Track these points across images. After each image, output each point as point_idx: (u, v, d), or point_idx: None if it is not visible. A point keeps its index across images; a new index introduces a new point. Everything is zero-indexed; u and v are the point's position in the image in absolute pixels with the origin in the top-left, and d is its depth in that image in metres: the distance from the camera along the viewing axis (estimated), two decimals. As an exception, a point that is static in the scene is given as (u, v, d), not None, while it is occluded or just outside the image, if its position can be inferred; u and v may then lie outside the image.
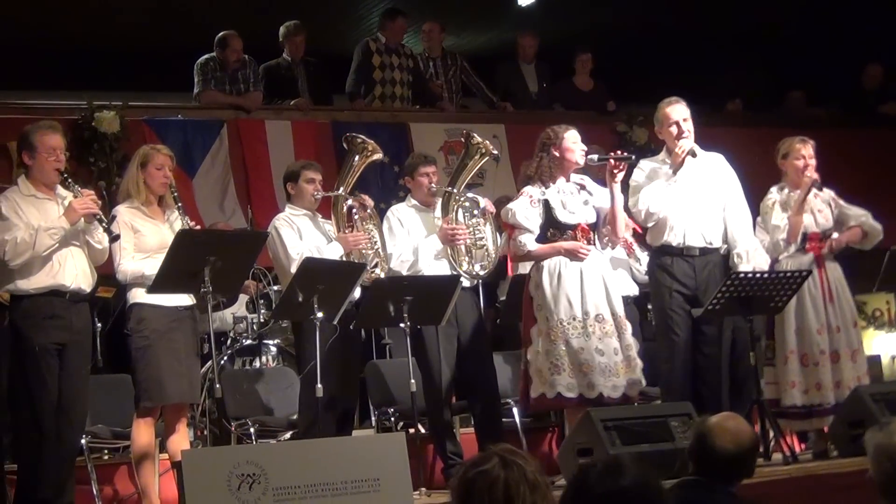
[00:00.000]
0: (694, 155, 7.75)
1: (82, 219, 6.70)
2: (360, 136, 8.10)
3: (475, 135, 8.15)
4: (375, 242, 7.90)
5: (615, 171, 7.39)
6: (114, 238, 6.74)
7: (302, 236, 7.78)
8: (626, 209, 7.72)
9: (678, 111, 7.84)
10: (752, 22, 13.38)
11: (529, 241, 7.35)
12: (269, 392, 8.56)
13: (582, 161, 7.47)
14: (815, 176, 7.98)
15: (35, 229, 6.59)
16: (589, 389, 7.17)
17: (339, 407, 7.66)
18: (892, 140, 12.88)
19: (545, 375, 7.21)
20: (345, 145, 8.16)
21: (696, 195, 7.81)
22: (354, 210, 7.93)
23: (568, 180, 7.50)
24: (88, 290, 6.87)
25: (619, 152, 7.65)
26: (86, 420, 7.04)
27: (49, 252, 6.62)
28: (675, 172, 7.76)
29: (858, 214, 8.21)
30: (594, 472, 3.11)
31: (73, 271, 6.73)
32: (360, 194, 8.03)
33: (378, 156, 8.10)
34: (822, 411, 7.86)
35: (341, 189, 7.92)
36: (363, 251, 7.80)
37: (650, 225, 7.80)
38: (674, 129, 7.79)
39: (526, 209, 7.38)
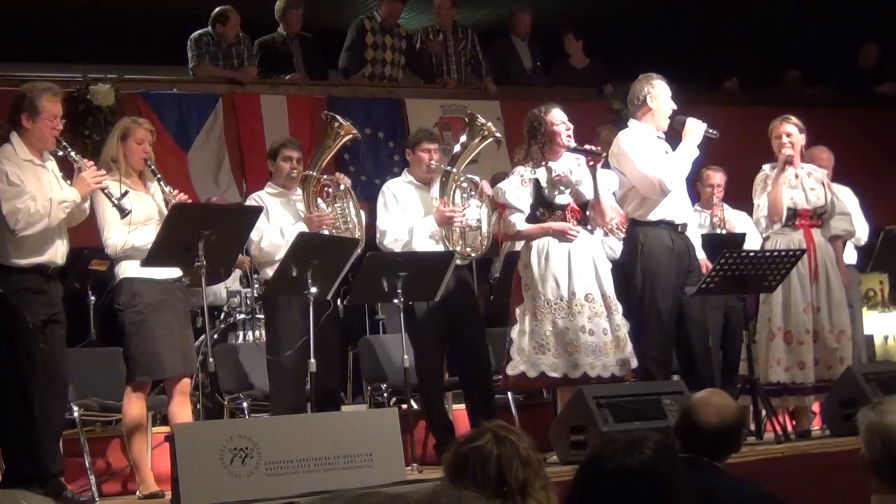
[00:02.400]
0: (714, 135, 7.80)
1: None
2: (338, 117, 8.05)
3: (479, 116, 8.08)
4: (347, 221, 7.84)
5: (590, 162, 7.39)
6: (125, 214, 6.68)
7: (269, 217, 7.72)
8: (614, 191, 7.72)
9: (668, 88, 7.84)
10: (749, 1, 13.35)
11: (519, 221, 7.36)
12: (262, 366, 8.54)
13: (569, 142, 7.43)
14: (789, 152, 8.00)
15: (48, 200, 6.49)
16: (573, 369, 7.18)
17: (318, 387, 7.64)
18: (888, 120, 12.88)
19: (528, 355, 7.21)
20: (324, 119, 8.12)
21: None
22: (329, 189, 7.89)
23: (558, 160, 7.49)
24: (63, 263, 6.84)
25: (590, 146, 7.55)
26: (68, 392, 7.00)
27: (58, 225, 6.57)
28: (691, 146, 7.78)
29: (840, 215, 8.20)
30: (610, 448, 3.10)
31: (61, 248, 6.68)
32: (337, 173, 8.00)
33: (352, 136, 8.04)
34: (803, 390, 7.89)
35: (314, 170, 7.87)
36: (332, 231, 7.75)
37: (656, 197, 7.71)
38: (671, 104, 7.77)
39: (516, 189, 7.38)
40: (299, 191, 7.90)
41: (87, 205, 6.75)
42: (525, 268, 7.35)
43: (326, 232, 7.69)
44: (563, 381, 7.23)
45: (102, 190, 6.64)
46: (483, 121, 7.99)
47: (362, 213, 7.91)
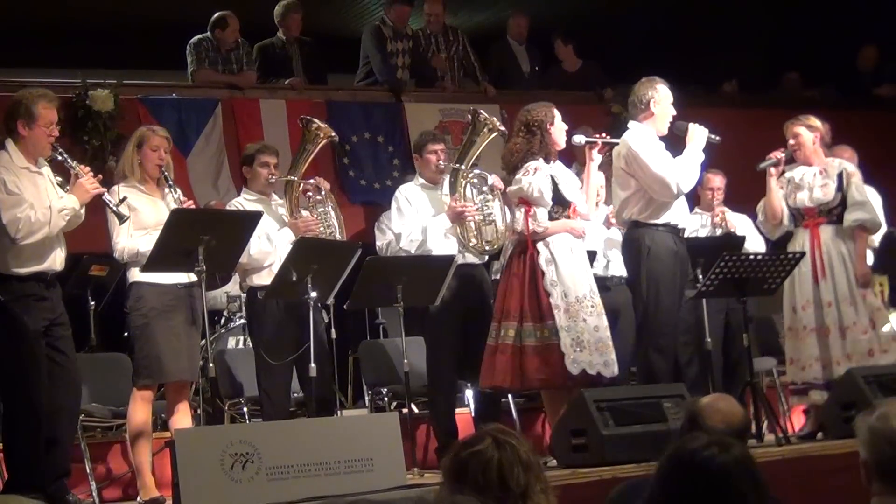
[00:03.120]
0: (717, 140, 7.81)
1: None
2: (315, 120, 8.05)
3: (482, 111, 8.08)
4: (330, 225, 7.86)
5: (598, 153, 7.37)
6: (122, 220, 6.69)
7: None
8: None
9: (671, 93, 7.82)
10: (748, 2, 13.36)
11: (545, 217, 7.34)
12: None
13: (564, 143, 7.44)
14: (777, 155, 8.02)
15: (48, 209, 6.48)
16: (605, 367, 7.19)
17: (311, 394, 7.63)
18: (887, 122, 12.87)
19: (569, 352, 7.16)
20: (300, 125, 8.12)
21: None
22: (310, 193, 7.90)
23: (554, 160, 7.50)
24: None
25: (604, 135, 7.59)
26: (81, 392, 6.98)
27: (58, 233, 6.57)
28: (697, 150, 7.76)
29: (854, 205, 8.16)
30: (702, 445, 3.10)
31: (60, 255, 6.66)
32: (317, 177, 8.00)
33: (330, 138, 8.03)
34: (815, 387, 7.90)
35: (294, 174, 7.88)
36: (317, 234, 7.76)
37: (668, 199, 7.67)
38: (672, 109, 7.75)
39: (543, 183, 7.33)
40: (275, 196, 7.93)
41: (83, 209, 6.76)
42: (549, 264, 7.28)
43: (325, 232, 7.73)
44: (597, 380, 7.19)
45: (100, 196, 6.65)
46: (486, 115, 7.99)
47: (341, 217, 7.96)
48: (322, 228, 7.79)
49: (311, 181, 7.91)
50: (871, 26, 13.23)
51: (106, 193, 6.70)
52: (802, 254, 7.79)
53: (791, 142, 8.10)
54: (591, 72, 12.34)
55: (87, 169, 6.75)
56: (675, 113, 7.77)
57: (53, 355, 6.57)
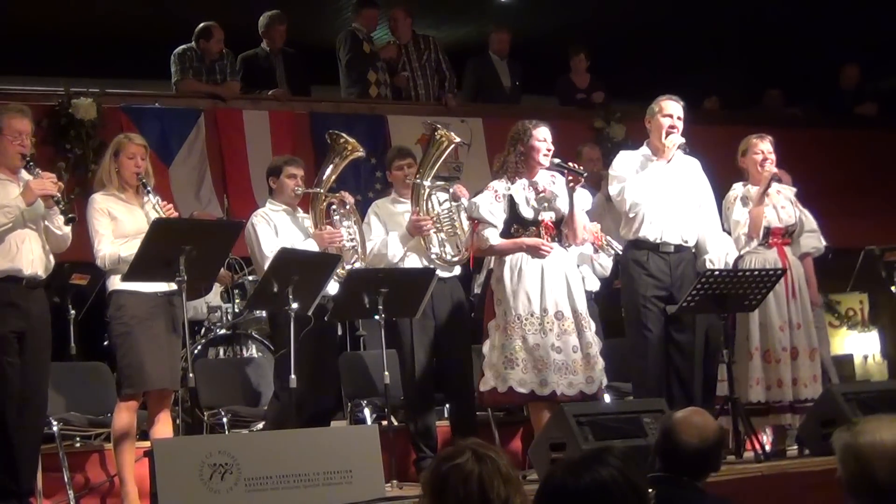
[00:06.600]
0: (685, 150, 7.83)
1: (41, 202, 6.58)
2: (343, 134, 8.13)
3: (438, 126, 8.15)
4: (353, 239, 7.93)
5: (570, 181, 7.41)
6: (69, 220, 6.66)
7: (278, 233, 7.79)
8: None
9: (673, 106, 7.90)
10: (730, 20, 13.41)
11: (493, 236, 7.35)
12: (242, 382, 8.55)
13: (546, 162, 7.45)
14: (775, 170, 8.05)
15: None
16: (541, 386, 7.17)
17: (310, 407, 7.62)
18: (868, 141, 12.93)
19: (499, 370, 7.21)
20: (328, 140, 8.18)
21: (675, 192, 7.85)
22: (334, 207, 7.95)
23: (534, 177, 7.49)
24: (45, 275, 6.74)
25: (574, 165, 7.61)
26: (47, 408, 6.93)
27: (3, 231, 6.50)
28: (668, 161, 7.83)
29: (809, 232, 8.23)
30: (566, 463, 3.11)
31: (29, 256, 6.61)
32: (341, 192, 8.06)
33: (359, 154, 8.15)
34: (780, 408, 7.91)
35: (321, 187, 7.94)
36: (339, 248, 7.82)
37: (630, 216, 7.80)
38: (666, 121, 7.83)
39: (490, 204, 7.38)
40: (300, 209, 7.99)
41: (62, 225, 6.71)
42: (498, 283, 7.35)
43: (348, 245, 7.84)
44: (530, 398, 7.25)
45: (52, 196, 6.61)
46: (442, 131, 8.02)
47: (363, 232, 8.03)
48: (345, 243, 7.85)
49: (334, 195, 7.97)
50: (853, 45, 13.30)
51: (58, 195, 6.68)
52: (784, 271, 7.81)
53: (769, 156, 8.10)
54: (597, 90, 12.39)
55: (49, 175, 6.74)
56: (672, 125, 7.83)
57: (15, 365, 6.52)
